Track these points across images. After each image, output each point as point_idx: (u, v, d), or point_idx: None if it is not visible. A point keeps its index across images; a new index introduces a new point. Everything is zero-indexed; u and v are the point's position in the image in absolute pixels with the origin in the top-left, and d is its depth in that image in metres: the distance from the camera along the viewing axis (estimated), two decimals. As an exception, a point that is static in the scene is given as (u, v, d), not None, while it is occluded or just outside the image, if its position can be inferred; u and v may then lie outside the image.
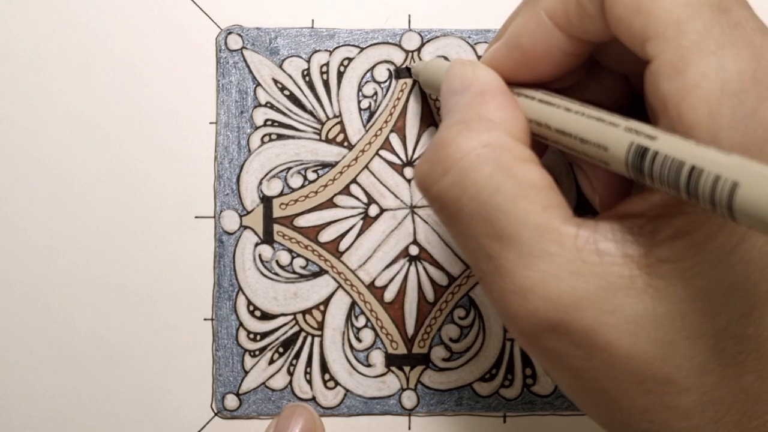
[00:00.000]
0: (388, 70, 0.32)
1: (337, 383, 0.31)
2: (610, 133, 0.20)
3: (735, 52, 0.19)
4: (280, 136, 0.32)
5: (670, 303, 0.19)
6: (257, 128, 0.32)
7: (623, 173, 0.20)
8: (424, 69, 0.29)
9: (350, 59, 0.32)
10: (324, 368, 0.32)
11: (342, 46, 0.32)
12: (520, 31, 0.23)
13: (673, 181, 0.18)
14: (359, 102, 0.32)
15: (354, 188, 0.32)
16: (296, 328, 0.32)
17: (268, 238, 0.32)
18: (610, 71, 0.25)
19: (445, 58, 0.32)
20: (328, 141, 0.32)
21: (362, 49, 0.32)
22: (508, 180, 0.20)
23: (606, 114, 0.20)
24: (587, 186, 0.26)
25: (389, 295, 0.32)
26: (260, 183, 0.32)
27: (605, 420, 0.22)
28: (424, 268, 0.32)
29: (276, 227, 0.32)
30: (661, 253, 0.19)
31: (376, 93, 0.32)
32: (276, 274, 0.32)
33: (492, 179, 0.20)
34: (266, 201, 0.32)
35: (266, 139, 0.32)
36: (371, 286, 0.32)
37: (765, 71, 0.19)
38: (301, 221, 0.32)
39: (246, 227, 0.32)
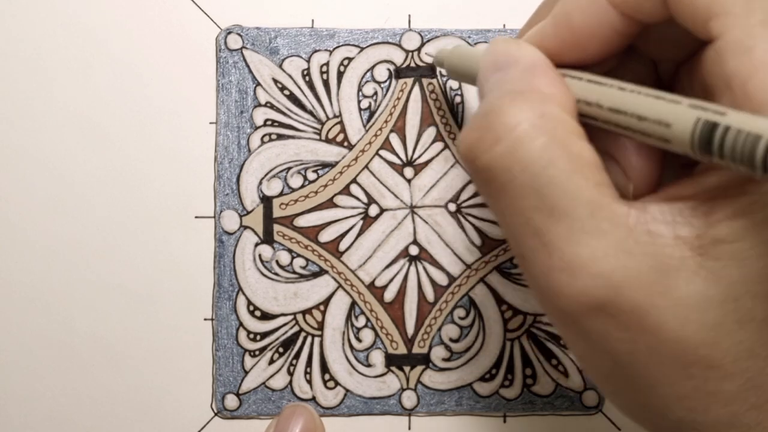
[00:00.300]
0: (388, 69, 0.32)
1: (337, 383, 0.31)
2: (672, 109, 0.19)
3: None
4: (280, 136, 0.32)
5: (722, 285, 0.19)
6: (257, 128, 0.32)
7: (686, 152, 0.19)
8: (450, 55, 0.28)
9: (350, 59, 0.32)
10: (324, 368, 0.32)
11: (342, 45, 0.32)
12: (572, 8, 0.22)
13: (748, 157, 0.17)
14: (359, 102, 0.32)
15: (354, 188, 0.32)
16: (296, 328, 0.32)
17: (268, 238, 0.32)
18: (640, 56, 0.24)
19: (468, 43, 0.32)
20: (328, 141, 0.32)
21: (362, 48, 0.32)
22: (563, 153, 0.20)
23: (663, 92, 0.20)
24: (619, 175, 0.25)
25: (389, 295, 0.32)
26: (260, 183, 0.32)
27: (638, 409, 0.21)
28: (424, 268, 0.32)
29: (276, 227, 0.32)
30: (717, 233, 0.19)
31: (376, 93, 0.32)
32: (276, 274, 0.32)
33: (546, 151, 0.20)
34: (266, 201, 0.32)
35: (266, 139, 0.32)
36: (371, 286, 0.32)
37: None
38: (301, 221, 0.32)
39: (246, 227, 0.32)
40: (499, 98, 0.21)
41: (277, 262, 0.32)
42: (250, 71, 0.32)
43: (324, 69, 0.32)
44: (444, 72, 0.30)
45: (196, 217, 0.32)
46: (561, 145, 0.20)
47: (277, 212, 0.32)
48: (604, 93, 0.21)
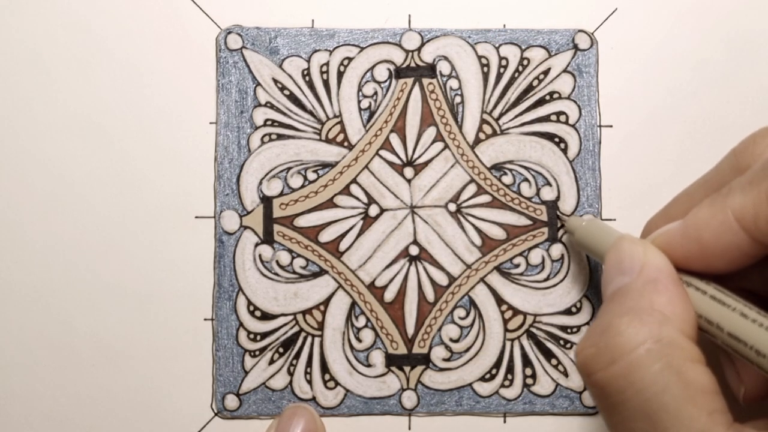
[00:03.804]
0: (388, 69, 0.32)
1: (337, 383, 0.31)
2: None
3: None
4: (280, 136, 0.32)
5: None
6: (257, 128, 0.32)
7: None
8: (581, 228, 0.29)
9: (350, 59, 0.32)
10: (324, 368, 0.32)
11: (342, 45, 0.32)
12: (702, 225, 0.23)
13: None
14: (359, 102, 0.32)
15: (354, 188, 0.32)
16: (296, 328, 0.32)
17: (268, 238, 0.32)
18: None
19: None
20: (328, 141, 0.32)
21: (362, 48, 0.32)
22: (677, 381, 0.20)
23: None
24: (733, 377, 0.25)
25: (389, 295, 0.32)
26: (260, 183, 0.32)
27: None
28: (424, 268, 0.32)
29: (276, 227, 0.32)
30: None
31: (376, 93, 0.32)
32: (276, 274, 0.32)
33: (660, 377, 0.20)
34: (266, 201, 0.32)
35: (266, 139, 0.32)
36: (371, 286, 0.32)
37: None
38: (301, 221, 0.32)
39: (246, 227, 0.32)
40: (618, 317, 0.22)
41: (277, 262, 0.32)
42: (250, 71, 0.32)
43: (324, 69, 0.32)
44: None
45: (196, 217, 0.32)
46: (676, 372, 0.20)
47: (277, 212, 0.32)
48: (725, 316, 0.22)
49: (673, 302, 0.22)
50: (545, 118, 0.32)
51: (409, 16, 0.32)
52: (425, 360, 0.32)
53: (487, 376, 0.31)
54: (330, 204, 0.32)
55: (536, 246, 0.32)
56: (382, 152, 0.32)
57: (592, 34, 0.32)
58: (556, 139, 0.32)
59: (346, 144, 0.32)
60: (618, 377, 0.21)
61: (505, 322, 0.32)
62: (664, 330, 0.21)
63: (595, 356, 0.22)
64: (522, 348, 0.32)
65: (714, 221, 0.23)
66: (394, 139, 0.32)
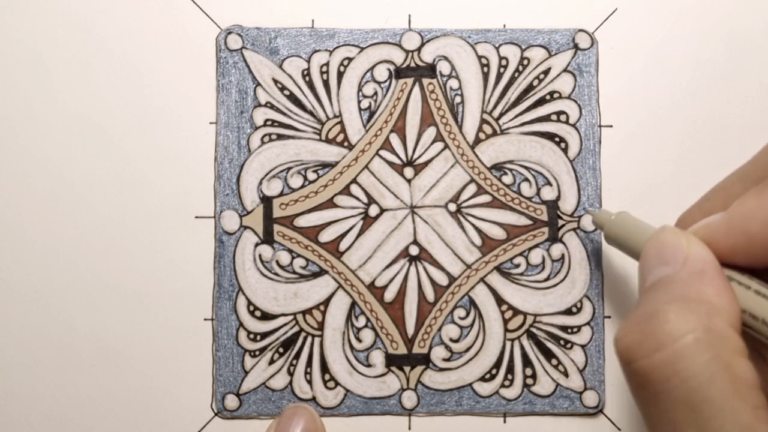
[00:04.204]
0: (388, 69, 0.32)
1: (337, 383, 0.31)
2: None
3: None
4: (280, 136, 0.32)
5: None
6: (257, 128, 0.32)
7: None
8: (611, 222, 0.28)
9: (350, 59, 0.32)
10: (324, 368, 0.31)
11: (342, 45, 0.32)
12: (751, 216, 0.22)
13: None
14: (359, 102, 0.32)
15: (354, 188, 0.32)
16: (296, 329, 0.32)
17: (268, 238, 0.32)
18: None
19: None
20: (328, 141, 0.32)
21: (362, 48, 0.32)
22: (725, 373, 0.20)
23: None
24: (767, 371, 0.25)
25: (389, 295, 0.32)
26: (260, 183, 0.32)
27: None
28: (424, 268, 0.32)
29: (276, 227, 0.32)
30: None
31: (376, 93, 0.32)
32: (276, 274, 0.32)
33: (708, 368, 0.20)
34: (266, 201, 0.32)
35: (266, 139, 0.32)
36: (371, 286, 0.32)
37: None
38: (301, 221, 0.32)
39: (246, 227, 0.32)
40: (666, 303, 0.21)
41: (277, 262, 0.32)
42: (250, 71, 0.32)
43: (324, 69, 0.32)
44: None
45: (196, 217, 0.32)
46: (724, 365, 0.20)
47: (277, 212, 0.32)
48: None
49: (721, 294, 0.22)
50: (545, 118, 0.32)
51: (409, 16, 0.32)
52: (425, 360, 0.32)
53: (487, 376, 0.31)
54: (330, 204, 0.32)
55: (536, 246, 0.32)
56: (382, 152, 0.32)
57: (592, 33, 0.32)
58: (557, 139, 0.32)
59: (346, 144, 0.32)
60: (663, 365, 0.20)
61: (505, 322, 0.32)
62: (713, 320, 0.21)
63: (639, 342, 0.21)
64: (522, 348, 0.32)
65: (762, 212, 0.22)
66: (394, 139, 0.32)
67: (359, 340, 0.32)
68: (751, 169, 0.25)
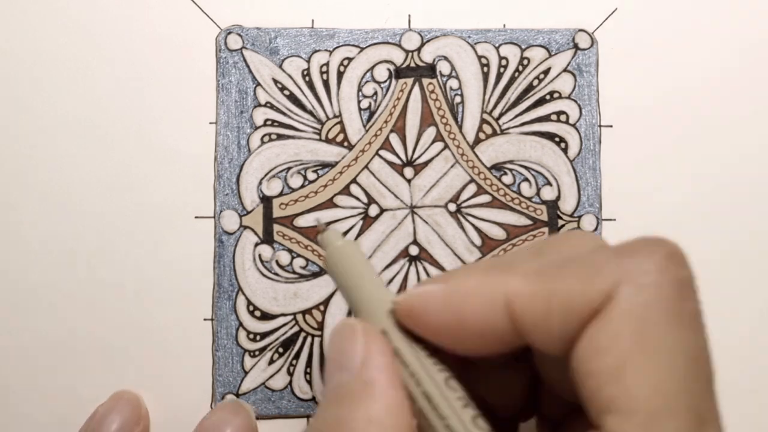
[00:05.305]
0: (388, 70, 0.32)
1: (337, 383, 0.31)
2: None
3: None
4: (280, 136, 0.32)
5: None
6: (257, 128, 0.32)
7: None
8: (335, 249, 0.24)
9: (350, 59, 0.32)
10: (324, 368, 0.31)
11: (342, 46, 0.32)
12: (467, 300, 0.20)
13: None
14: (359, 102, 0.32)
15: (354, 188, 0.32)
16: (296, 329, 0.32)
17: (268, 238, 0.32)
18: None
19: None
20: (328, 141, 0.32)
21: (362, 49, 0.32)
22: None
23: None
24: None
25: (389, 295, 0.32)
26: (260, 183, 0.32)
27: None
28: (424, 268, 0.32)
29: (276, 227, 0.32)
30: None
31: (376, 93, 0.32)
32: (276, 274, 0.32)
33: None
34: (266, 201, 0.32)
35: (266, 139, 0.32)
36: (371, 286, 0.32)
37: None
38: (301, 221, 0.32)
39: (246, 227, 0.32)
40: (330, 427, 0.20)
41: (277, 262, 0.32)
42: (250, 71, 0.32)
43: (324, 69, 0.32)
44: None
45: (196, 217, 0.32)
46: None
47: (277, 212, 0.32)
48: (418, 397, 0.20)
49: (391, 412, 0.20)
50: (545, 118, 0.32)
51: (409, 16, 0.32)
52: (425, 360, 0.31)
53: (487, 376, 0.31)
54: (330, 204, 0.32)
55: (536, 246, 0.32)
56: (382, 152, 0.32)
57: (592, 33, 0.32)
58: (557, 139, 0.32)
59: (346, 144, 0.32)
60: None
61: (505, 322, 0.32)
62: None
63: None
64: (522, 348, 0.32)
65: (482, 300, 0.20)
66: (394, 139, 0.32)
67: (359, 340, 0.32)
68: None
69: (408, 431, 0.20)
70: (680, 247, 0.20)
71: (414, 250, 0.32)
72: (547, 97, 0.32)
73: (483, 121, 0.32)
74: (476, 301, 0.20)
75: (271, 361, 0.31)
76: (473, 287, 0.20)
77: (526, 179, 0.32)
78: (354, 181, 0.32)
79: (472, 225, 0.32)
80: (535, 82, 0.32)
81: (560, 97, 0.32)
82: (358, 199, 0.32)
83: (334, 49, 0.32)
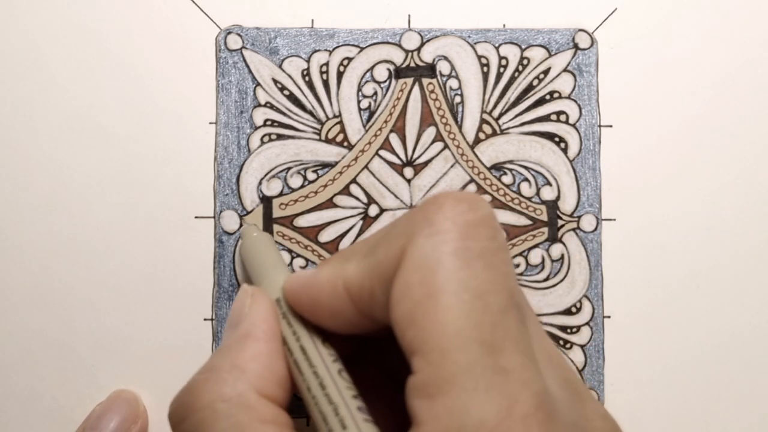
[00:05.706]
0: (388, 69, 0.32)
1: (336, 383, 0.31)
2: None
3: (485, 398, 0.18)
4: (279, 136, 0.32)
5: None
6: (257, 128, 0.32)
7: None
8: (251, 240, 0.29)
9: (350, 59, 0.32)
10: (324, 368, 0.31)
11: (342, 45, 0.32)
12: (320, 288, 0.23)
13: None
14: (359, 102, 0.32)
15: (354, 188, 0.32)
16: (296, 328, 0.32)
17: (267, 238, 0.32)
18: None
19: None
20: (327, 141, 0.32)
21: (362, 48, 0.32)
22: None
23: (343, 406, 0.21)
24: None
25: (389, 295, 0.32)
26: (260, 183, 0.32)
27: None
28: (424, 268, 0.32)
29: (276, 227, 0.32)
30: None
31: (375, 93, 0.32)
32: (276, 274, 0.32)
33: None
34: (266, 201, 0.32)
35: (266, 139, 0.32)
36: (371, 286, 0.32)
37: (508, 427, 0.18)
38: (301, 221, 0.32)
39: (246, 227, 0.32)
40: (199, 374, 0.22)
41: (276, 262, 0.32)
42: (250, 71, 0.32)
43: (324, 69, 0.32)
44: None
45: (196, 217, 0.32)
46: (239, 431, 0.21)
47: (276, 212, 0.32)
48: (304, 370, 0.23)
49: (256, 358, 0.22)
50: (545, 118, 0.32)
51: (409, 16, 0.32)
52: (425, 360, 0.31)
53: (487, 376, 0.31)
54: (330, 204, 0.32)
55: (536, 246, 0.32)
56: (382, 152, 0.32)
57: (592, 33, 0.32)
58: (556, 139, 0.32)
59: (345, 144, 0.32)
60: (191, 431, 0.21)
61: (505, 322, 0.32)
62: (236, 388, 0.21)
63: (173, 412, 0.22)
64: (522, 348, 0.32)
65: (328, 287, 0.23)
66: (394, 139, 0.32)
67: (359, 340, 0.32)
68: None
69: (274, 380, 0.22)
70: (471, 193, 0.22)
71: (414, 250, 0.32)
72: (547, 97, 0.32)
73: (483, 121, 0.32)
74: (324, 289, 0.23)
75: (271, 361, 0.31)
76: (323, 276, 0.23)
77: (526, 179, 0.32)
78: (354, 181, 0.32)
79: (472, 225, 0.32)
80: (535, 82, 0.32)
81: (560, 97, 0.32)
82: (358, 199, 0.32)
83: (334, 49, 0.32)
